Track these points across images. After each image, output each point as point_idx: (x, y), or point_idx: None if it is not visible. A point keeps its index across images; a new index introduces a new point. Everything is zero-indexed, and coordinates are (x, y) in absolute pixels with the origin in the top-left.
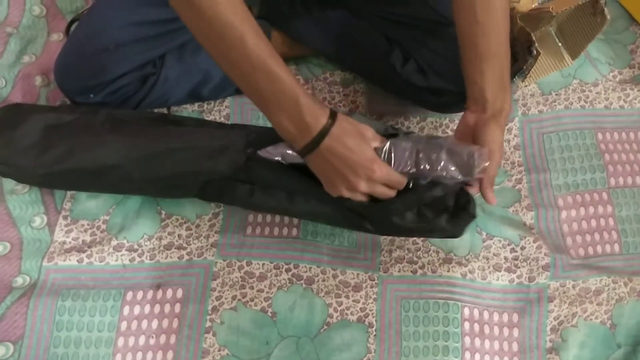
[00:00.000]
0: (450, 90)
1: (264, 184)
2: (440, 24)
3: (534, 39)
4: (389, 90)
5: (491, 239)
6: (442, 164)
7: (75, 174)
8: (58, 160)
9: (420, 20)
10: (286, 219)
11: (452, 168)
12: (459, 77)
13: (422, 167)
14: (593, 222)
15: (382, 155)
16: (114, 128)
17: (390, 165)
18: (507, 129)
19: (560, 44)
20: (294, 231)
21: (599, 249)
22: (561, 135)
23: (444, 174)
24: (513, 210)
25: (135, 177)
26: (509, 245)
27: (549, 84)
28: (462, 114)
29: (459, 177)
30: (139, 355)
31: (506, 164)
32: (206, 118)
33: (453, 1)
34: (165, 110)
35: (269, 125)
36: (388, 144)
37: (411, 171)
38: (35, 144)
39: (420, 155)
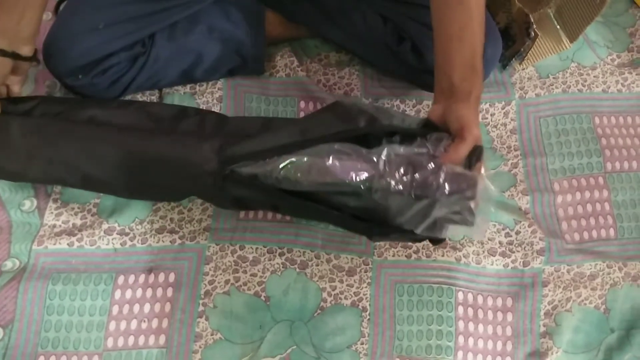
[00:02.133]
0: None
1: (245, 200)
2: None
3: (532, 20)
4: (385, 70)
5: None
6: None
7: (62, 181)
8: (43, 170)
9: None
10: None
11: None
12: None
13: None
14: (589, 207)
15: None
16: (90, 135)
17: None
18: (504, 113)
19: (558, 27)
20: (288, 215)
21: (594, 233)
22: (558, 119)
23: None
24: (508, 195)
25: (117, 188)
26: (503, 229)
27: (546, 67)
28: None
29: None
30: (131, 339)
31: (502, 148)
32: (198, 100)
33: None
34: (156, 92)
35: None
36: (385, 151)
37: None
38: (18, 151)
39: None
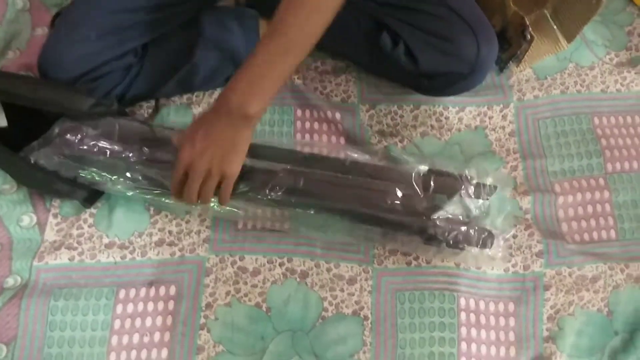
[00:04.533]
0: (440, 72)
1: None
2: (428, 2)
3: (527, 23)
4: (380, 74)
5: None
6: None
7: None
8: None
9: (408, 1)
10: (277, 212)
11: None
12: (448, 54)
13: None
14: (589, 208)
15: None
16: None
17: None
18: (502, 116)
19: (555, 27)
20: (286, 225)
21: (595, 235)
22: (557, 120)
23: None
24: (509, 196)
25: None
26: (500, 234)
27: (544, 69)
28: (456, 98)
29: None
30: (134, 353)
31: (501, 151)
32: (194, 111)
33: None
34: (153, 102)
35: None
36: None
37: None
38: None
39: None
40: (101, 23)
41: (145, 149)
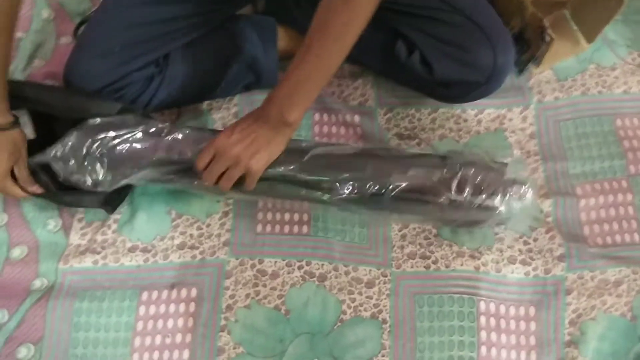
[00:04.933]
0: (456, 80)
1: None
2: (444, 11)
3: (546, 25)
4: (397, 82)
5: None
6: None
7: None
8: None
9: (424, 9)
10: (296, 216)
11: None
12: (464, 64)
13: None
14: (612, 211)
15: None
16: None
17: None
18: (522, 117)
19: (575, 28)
20: (305, 228)
21: (617, 238)
22: (578, 122)
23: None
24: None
25: None
26: (521, 237)
27: (564, 70)
28: (474, 102)
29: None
30: (156, 354)
31: (521, 153)
32: (214, 116)
33: None
34: (175, 110)
35: None
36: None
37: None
38: None
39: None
40: (123, 36)
41: (169, 137)
